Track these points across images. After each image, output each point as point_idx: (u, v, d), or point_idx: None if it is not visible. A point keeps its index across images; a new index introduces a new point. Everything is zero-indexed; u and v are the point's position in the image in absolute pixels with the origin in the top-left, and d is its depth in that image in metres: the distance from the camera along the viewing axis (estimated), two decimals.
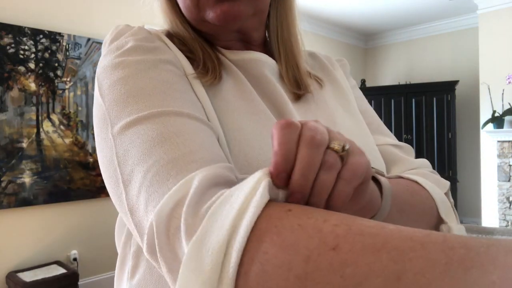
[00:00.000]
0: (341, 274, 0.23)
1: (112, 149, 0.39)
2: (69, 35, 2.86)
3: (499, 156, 4.06)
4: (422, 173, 0.54)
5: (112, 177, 0.39)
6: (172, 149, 0.35)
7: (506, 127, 4.00)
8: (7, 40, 2.57)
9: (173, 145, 0.36)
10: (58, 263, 2.69)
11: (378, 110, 5.10)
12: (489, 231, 1.92)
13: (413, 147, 5.08)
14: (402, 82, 5.35)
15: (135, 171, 0.36)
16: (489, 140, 4.17)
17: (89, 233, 2.91)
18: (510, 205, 4.00)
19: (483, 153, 4.28)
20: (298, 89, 0.53)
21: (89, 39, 2.96)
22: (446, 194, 0.51)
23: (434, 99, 4.81)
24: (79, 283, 2.57)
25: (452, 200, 0.51)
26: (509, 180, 4.01)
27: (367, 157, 0.33)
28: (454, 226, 0.46)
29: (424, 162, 0.59)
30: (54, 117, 2.80)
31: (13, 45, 2.60)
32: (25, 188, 2.64)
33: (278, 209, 0.28)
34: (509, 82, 3.88)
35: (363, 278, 0.22)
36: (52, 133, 2.78)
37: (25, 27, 2.65)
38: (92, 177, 2.92)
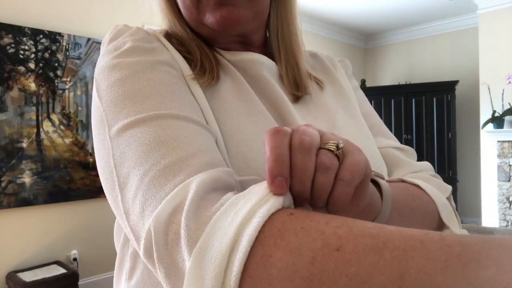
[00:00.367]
0: (346, 273, 0.24)
1: (109, 151, 0.39)
2: (69, 35, 2.86)
3: (499, 156, 4.06)
4: (424, 177, 0.53)
5: (108, 179, 0.38)
6: (169, 153, 0.35)
7: (506, 127, 3.99)
8: (7, 40, 2.57)
9: (170, 148, 0.36)
10: (58, 263, 2.69)
11: (378, 110, 5.10)
12: (489, 231, 1.93)
13: (413, 147, 5.10)
14: (402, 82, 5.35)
15: (131, 174, 0.36)
16: (489, 140, 4.17)
17: (89, 233, 2.91)
18: (510, 205, 4.00)
19: (483, 153, 4.28)
20: (297, 90, 0.53)
21: (89, 39, 2.96)
22: (448, 198, 0.51)
23: (434, 99, 4.81)
24: (79, 283, 2.57)
25: (454, 204, 0.51)
26: (509, 180, 4.01)
27: (364, 155, 0.33)
28: (457, 231, 0.46)
29: (426, 165, 0.58)
30: (54, 117, 2.80)
31: (13, 45, 2.60)
32: (25, 188, 2.64)
33: (280, 213, 0.29)
34: (509, 82, 3.88)
35: (367, 277, 0.23)
36: (52, 133, 2.78)
37: (25, 27, 2.65)
38: (92, 177, 2.92)
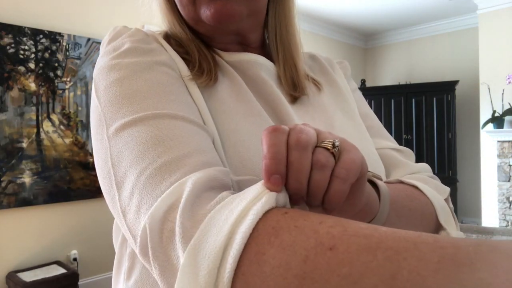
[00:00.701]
0: (338, 273, 0.24)
1: (106, 151, 0.39)
2: (69, 35, 2.86)
3: (499, 156, 4.06)
4: (422, 178, 0.53)
5: (106, 179, 0.39)
6: (166, 152, 0.36)
7: (506, 127, 3.99)
8: (7, 40, 2.57)
9: (167, 148, 0.36)
10: (58, 263, 2.69)
11: (378, 110, 5.10)
12: (489, 231, 1.92)
13: (413, 147, 5.10)
14: (402, 82, 5.35)
15: (128, 173, 0.36)
16: (489, 140, 4.17)
17: (89, 233, 2.91)
18: (510, 205, 4.00)
19: (483, 153, 4.28)
20: (295, 91, 0.53)
21: (89, 39, 2.96)
22: (446, 200, 0.51)
23: (434, 99, 4.81)
24: (79, 283, 2.57)
25: (451, 206, 0.51)
26: (509, 180, 4.01)
27: (360, 153, 0.33)
28: (453, 232, 0.46)
29: (425, 166, 0.58)
30: (54, 117, 2.80)
31: (13, 45, 2.60)
32: (25, 188, 2.64)
33: (274, 212, 0.29)
34: (509, 82, 3.88)
35: (359, 277, 0.23)
36: (52, 133, 2.78)
37: (25, 27, 2.65)
38: (92, 177, 2.92)
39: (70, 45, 2.87)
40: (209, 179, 0.34)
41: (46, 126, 2.76)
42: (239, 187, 0.39)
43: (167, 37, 0.51)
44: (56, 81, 2.80)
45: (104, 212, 2.96)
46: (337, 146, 0.31)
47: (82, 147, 2.92)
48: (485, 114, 4.18)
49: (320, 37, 5.21)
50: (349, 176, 0.31)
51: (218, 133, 0.43)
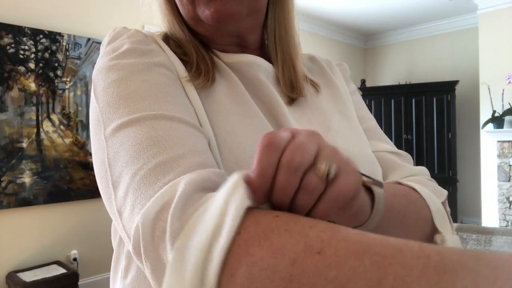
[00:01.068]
0: (326, 276, 0.24)
1: (104, 151, 0.39)
2: (69, 35, 2.86)
3: (499, 156, 4.06)
4: (421, 180, 0.53)
5: (103, 178, 0.39)
6: (161, 153, 0.36)
7: (506, 127, 4.00)
8: (7, 40, 2.58)
9: (162, 149, 0.36)
10: (58, 263, 2.69)
11: (378, 110, 5.10)
12: (489, 231, 1.92)
13: (413, 147, 5.10)
14: (402, 82, 5.35)
15: (123, 173, 0.36)
16: (489, 140, 4.17)
17: (89, 233, 2.91)
18: (510, 205, 4.00)
19: (483, 153, 4.28)
20: (293, 92, 0.53)
21: (89, 39, 2.96)
22: (443, 203, 0.51)
23: (434, 99, 4.81)
24: (79, 283, 2.57)
25: (448, 209, 0.51)
26: (509, 180, 4.01)
27: (357, 176, 0.32)
28: (449, 236, 0.46)
29: (423, 169, 0.58)
30: (54, 117, 2.80)
31: (13, 45, 2.60)
32: (25, 188, 2.64)
33: (265, 214, 0.29)
34: (509, 82, 3.88)
35: (346, 281, 0.23)
36: (52, 133, 2.78)
37: (25, 27, 2.65)
38: (92, 177, 2.92)
39: (70, 45, 2.87)
40: (203, 180, 0.34)
41: (46, 126, 2.76)
42: None
43: (166, 38, 0.52)
44: (56, 81, 2.80)
45: (104, 212, 2.95)
46: (333, 172, 0.30)
47: (82, 147, 2.92)
48: (485, 114, 4.18)
49: (320, 37, 5.21)
50: (338, 203, 0.31)
51: (214, 134, 0.43)
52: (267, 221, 0.28)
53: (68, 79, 2.86)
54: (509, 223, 4.01)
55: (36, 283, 2.34)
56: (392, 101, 5.04)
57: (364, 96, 5.19)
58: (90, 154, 2.95)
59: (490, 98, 4.10)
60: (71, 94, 2.88)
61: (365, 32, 5.64)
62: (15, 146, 2.61)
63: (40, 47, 2.73)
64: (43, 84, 2.74)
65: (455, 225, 1.97)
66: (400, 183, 0.49)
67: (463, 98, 4.97)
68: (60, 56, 2.82)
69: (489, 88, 4.11)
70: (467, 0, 4.37)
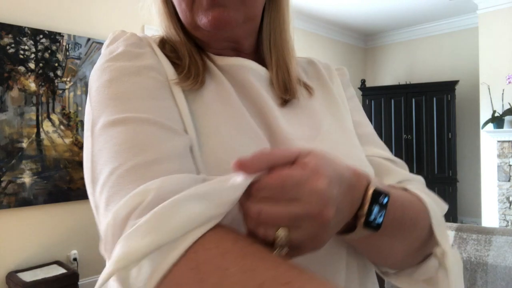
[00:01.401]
0: None
1: (90, 148, 0.42)
2: (69, 35, 2.86)
3: (499, 156, 4.06)
4: (425, 191, 0.53)
5: (87, 174, 0.41)
6: (138, 155, 0.38)
7: (506, 127, 4.00)
8: (7, 40, 2.58)
9: (140, 151, 0.38)
10: (58, 263, 2.69)
11: (378, 110, 5.10)
12: (489, 231, 1.92)
13: (413, 147, 5.10)
14: (402, 82, 5.35)
15: (103, 171, 0.38)
16: (489, 140, 4.18)
17: (89, 233, 2.91)
18: (510, 205, 4.00)
19: (483, 153, 4.28)
20: (286, 93, 0.54)
21: (89, 39, 2.96)
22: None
23: (434, 99, 4.81)
24: (79, 283, 2.57)
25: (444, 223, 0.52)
26: (509, 180, 4.01)
27: (325, 236, 0.35)
28: (449, 250, 0.47)
29: (419, 178, 0.57)
30: (54, 117, 2.80)
31: (13, 45, 2.60)
32: (25, 188, 2.64)
33: (219, 240, 0.32)
34: (509, 82, 3.88)
35: None
36: (52, 133, 2.78)
37: (25, 27, 2.66)
38: None
39: (70, 45, 2.87)
40: (175, 186, 0.34)
41: (46, 126, 2.76)
42: None
43: (163, 42, 0.53)
44: (56, 81, 2.80)
45: None
46: (285, 241, 0.33)
47: (82, 147, 2.92)
48: (485, 114, 4.18)
49: (320, 37, 5.21)
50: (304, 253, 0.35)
51: (199, 134, 0.44)
52: (212, 254, 0.31)
53: (68, 79, 2.86)
54: (509, 223, 4.01)
55: (36, 283, 2.34)
56: (392, 101, 5.04)
57: (364, 96, 5.19)
58: None
59: (490, 98, 4.10)
60: (71, 94, 2.88)
61: (365, 32, 5.64)
62: (15, 146, 2.61)
63: (40, 47, 2.73)
64: (43, 84, 2.74)
65: (455, 225, 1.97)
66: (406, 190, 0.49)
67: (463, 98, 4.97)
68: (60, 56, 2.82)
69: (489, 88, 4.11)
70: (467, 0, 4.37)
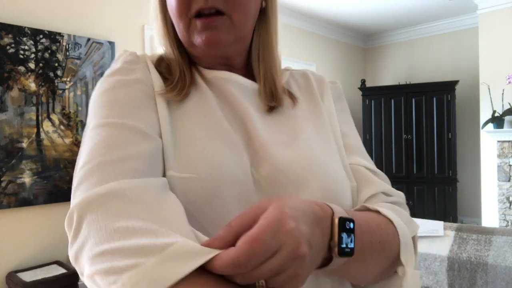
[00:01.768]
0: None
1: (81, 145, 0.49)
2: (69, 35, 2.86)
3: (499, 156, 4.07)
4: (398, 210, 0.55)
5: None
6: (107, 154, 0.44)
7: (506, 127, 4.00)
8: (7, 40, 2.58)
9: (112, 150, 0.44)
10: (58, 263, 2.70)
11: (378, 110, 5.10)
12: (489, 231, 1.92)
13: (413, 147, 5.10)
14: (402, 82, 5.36)
15: (79, 163, 0.46)
16: (489, 140, 4.18)
17: None
18: (510, 205, 4.00)
19: (483, 153, 4.29)
20: (272, 101, 0.59)
21: (89, 39, 2.96)
22: (413, 238, 0.53)
23: (434, 99, 4.81)
24: (79, 283, 2.57)
25: (417, 243, 0.55)
26: (509, 180, 4.01)
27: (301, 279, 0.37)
28: (410, 271, 0.49)
29: (400, 193, 0.60)
30: (54, 117, 2.80)
31: (13, 45, 2.60)
32: (25, 188, 2.64)
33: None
34: (509, 82, 3.88)
35: None
36: (52, 133, 2.79)
37: (25, 27, 2.66)
38: None
39: (70, 45, 2.87)
40: (131, 195, 0.40)
41: (46, 126, 2.76)
42: (181, 184, 0.47)
43: (160, 59, 0.60)
44: (56, 81, 2.80)
45: None
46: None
47: None
48: (485, 114, 4.18)
49: (320, 37, 5.21)
50: None
51: (175, 139, 0.50)
52: None
53: (68, 79, 2.86)
54: (509, 223, 4.01)
55: (36, 283, 2.34)
56: (392, 101, 5.05)
57: (364, 96, 5.19)
58: None
59: (490, 98, 4.10)
60: (71, 94, 2.88)
61: (365, 32, 5.64)
62: (15, 146, 2.61)
63: (40, 47, 2.73)
64: (43, 84, 2.74)
65: (455, 225, 1.97)
66: (378, 212, 0.52)
67: (463, 98, 4.97)
68: (60, 56, 2.82)
69: (489, 88, 4.11)
70: (467, 0, 4.38)
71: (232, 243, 0.35)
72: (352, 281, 0.53)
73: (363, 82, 5.32)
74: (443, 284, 1.72)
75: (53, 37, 2.79)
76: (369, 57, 5.98)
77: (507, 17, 4.09)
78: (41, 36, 2.73)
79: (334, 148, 0.60)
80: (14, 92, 2.61)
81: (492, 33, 4.19)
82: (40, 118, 2.73)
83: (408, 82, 5.28)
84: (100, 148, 0.44)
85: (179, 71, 0.57)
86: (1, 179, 2.55)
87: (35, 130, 2.70)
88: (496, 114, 4.02)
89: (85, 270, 0.38)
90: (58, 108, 2.81)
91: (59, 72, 2.81)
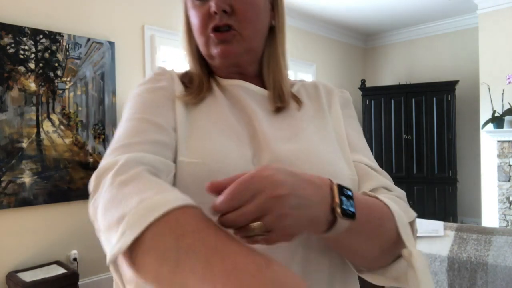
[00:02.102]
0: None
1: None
2: (69, 35, 2.86)
3: (499, 156, 4.07)
4: (395, 199, 0.59)
5: None
6: (130, 138, 0.55)
7: (506, 127, 4.00)
8: (7, 40, 2.58)
9: (133, 136, 0.56)
10: (58, 263, 2.70)
11: (378, 110, 5.10)
12: (489, 231, 1.92)
13: (413, 147, 5.10)
14: (402, 82, 5.36)
15: (110, 145, 0.56)
16: (489, 140, 4.18)
17: (89, 233, 2.91)
18: (510, 205, 4.00)
19: (483, 153, 4.29)
20: (280, 103, 0.69)
21: (89, 39, 2.96)
22: (411, 222, 0.57)
23: (434, 99, 4.81)
24: (79, 283, 2.57)
25: (416, 228, 0.60)
26: (509, 180, 4.01)
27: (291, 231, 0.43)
28: (415, 250, 0.53)
29: (401, 191, 0.64)
30: (54, 117, 2.80)
31: (13, 45, 2.60)
32: (25, 188, 2.64)
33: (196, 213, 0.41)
34: (509, 82, 3.88)
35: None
36: (52, 133, 2.78)
37: (25, 27, 2.66)
38: None
39: (70, 45, 2.87)
40: (139, 159, 0.50)
41: (46, 126, 2.76)
42: (188, 166, 0.56)
43: (186, 73, 0.72)
44: (56, 81, 2.80)
45: None
46: (261, 231, 0.41)
47: (82, 147, 2.92)
48: (485, 114, 4.18)
49: (320, 37, 5.21)
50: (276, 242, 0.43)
51: (189, 133, 0.61)
52: (168, 242, 0.39)
53: (68, 79, 2.86)
54: (509, 223, 4.01)
55: (36, 283, 2.34)
56: (392, 101, 5.05)
57: (364, 96, 5.19)
58: (90, 154, 2.95)
59: (490, 98, 4.10)
60: (71, 94, 2.88)
61: (365, 32, 5.64)
62: (15, 146, 2.61)
63: (40, 47, 2.73)
64: (43, 84, 2.74)
65: (455, 225, 1.97)
66: (377, 198, 0.56)
67: (463, 98, 4.97)
68: (60, 56, 2.82)
69: (489, 88, 4.11)
70: (467, 0, 4.38)
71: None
72: (354, 259, 0.57)
73: (363, 82, 5.32)
74: (443, 284, 1.72)
75: (53, 37, 2.79)
76: (369, 57, 5.98)
77: (507, 17, 4.09)
78: (41, 36, 2.73)
79: (335, 145, 0.66)
80: (14, 92, 2.61)
81: (492, 33, 4.19)
82: (40, 118, 2.73)
83: (408, 82, 5.28)
84: (125, 135, 0.56)
85: (198, 80, 0.69)
86: (1, 179, 2.55)
87: (35, 130, 2.70)
88: (496, 114, 4.01)
89: (98, 225, 0.48)
90: (58, 108, 2.81)
91: (59, 72, 2.82)
